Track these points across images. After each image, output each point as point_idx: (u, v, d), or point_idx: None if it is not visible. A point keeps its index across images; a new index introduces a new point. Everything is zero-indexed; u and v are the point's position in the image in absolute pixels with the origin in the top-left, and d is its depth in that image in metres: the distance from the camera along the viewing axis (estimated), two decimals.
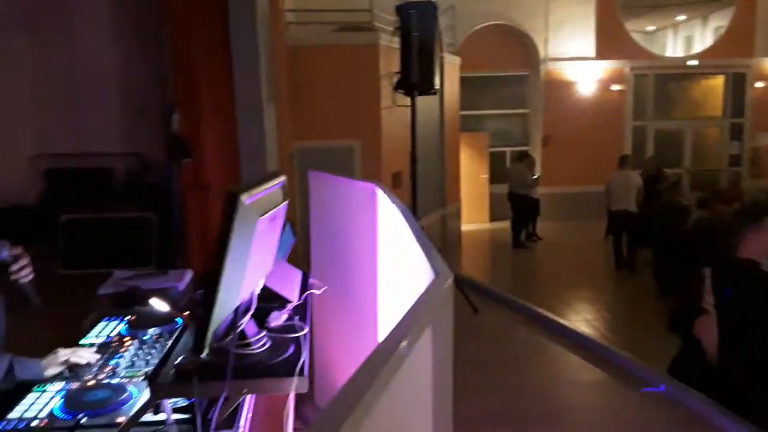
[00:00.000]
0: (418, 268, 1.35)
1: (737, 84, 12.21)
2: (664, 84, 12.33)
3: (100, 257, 6.02)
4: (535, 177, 9.81)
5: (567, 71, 11.63)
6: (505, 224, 10.17)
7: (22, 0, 6.29)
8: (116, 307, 2.35)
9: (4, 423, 1.30)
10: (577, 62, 11.59)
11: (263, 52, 5.33)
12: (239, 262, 1.24)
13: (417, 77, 4.35)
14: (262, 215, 1.28)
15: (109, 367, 1.56)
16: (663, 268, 7.06)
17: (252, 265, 1.31)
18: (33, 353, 1.92)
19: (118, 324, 1.89)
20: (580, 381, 4.12)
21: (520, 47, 11.66)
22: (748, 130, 12.34)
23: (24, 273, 1.73)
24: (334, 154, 7.26)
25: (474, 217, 11.08)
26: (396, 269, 1.84)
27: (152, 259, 6.15)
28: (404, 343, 0.76)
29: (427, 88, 4.54)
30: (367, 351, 2.28)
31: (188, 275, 2.79)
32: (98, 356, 1.63)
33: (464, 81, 10.39)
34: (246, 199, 1.19)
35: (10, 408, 1.36)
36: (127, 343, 1.72)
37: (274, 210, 1.39)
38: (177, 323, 1.86)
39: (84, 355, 1.60)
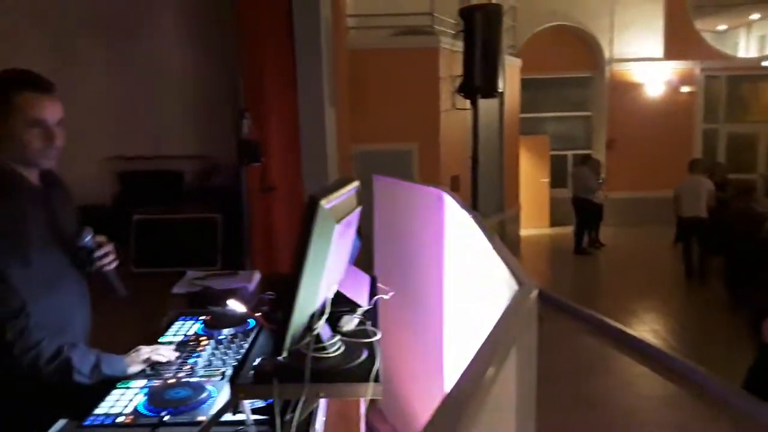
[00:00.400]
0: (494, 277, 1.32)
1: None
2: (737, 86, 11.76)
3: (169, 256, 6.25)
4: (599, 181, 9.53)
5: (633, 72, 11.26)
6: (566, 230, 9.94)
7: (99, 6, 6.61)
8: (190, 306, 2.42)
9: (92, 418, 1.36)
10: (644, 63, 11.21)
11: (325, 57, 5.40)
12: (317, 266, 1.25)
13: (480, 80, 4.30)
14: (340, 220, 1.29)
15: (188, 366, 1.61)
16: (735, 277, 6.72)
17: (329, 270, 1.32)
18: (114, 350, 2.01)
19: (194, 323, 1.94)
20: (649, 394, 3.96)
21: (584, 48, 11.38)
22: None
23: (108, 260, 1.76)
24: (393, 157, 7.28)
25: (534, 222, 10.87)
26: (466, 277, 1.82)
27: (218, 260, 6.34)
28: (492, 370, 0.73)
29: (491, 91, 4.48)
30: (430, 359, 2.25)
31: (257, 276, 2.86)
32: (177, 354, 1.68)
33: (525, 83, 10.21)
34: (326, 204, 1.21)
35: (96, 404, 1.42)
36: (203, 343, 1.77)
37: (350, 215, 1.40)
38: (249, 324, 1.90)
39: (164, 353, 1.65)
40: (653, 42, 11.17)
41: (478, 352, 0.82)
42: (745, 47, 13.22)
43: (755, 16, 12.79)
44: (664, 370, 4.14)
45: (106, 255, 1.74)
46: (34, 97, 1.58)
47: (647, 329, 5.90)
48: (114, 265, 1.78)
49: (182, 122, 6.64)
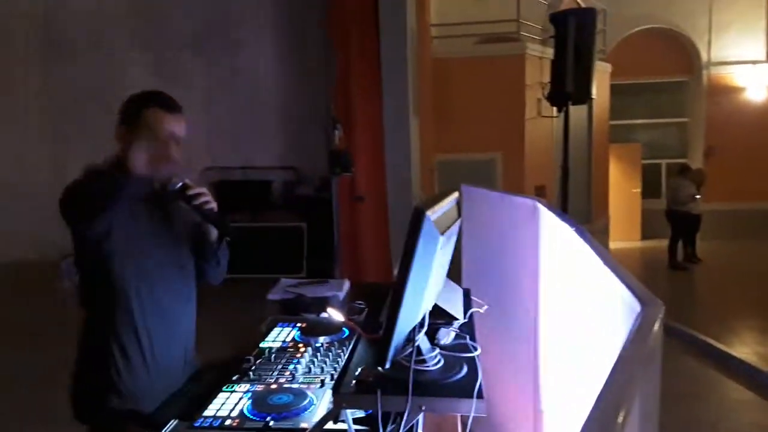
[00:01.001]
0: (604, 295, 1.26)
1: None
2: None
3: (257, 263, 6.51)
4: (697, 195, 8.93)
5: (734, 76, 10.56)
6: (659, 243, 9.42)
7: (197, 27, 7.00)
8: (283, 312, 2.48)
9: (201, 420, 1.41)
10: (745, 66, 10.49)
11: (410, 68, 5.44)
12: (422, 277, 1.24)
13: (571, 86, 4.17)
14: (444, 231, 1.27)
15: (288, 372, 1.64)
16: None
17: (432, 282, 1.31)
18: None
19: (291, 330, 1.99)
20: (759, 422, 3.66)
21: (678, 51, 10.80)
22: None
23: (205, 198, 1.81)
24: (475, 167, 7.20)
25: (624, 235, 10.38)
26: (567, 293, 1.75)
27: (303, 267, 6.53)
28: (622, 415, 0.67)
29: (583, 98, 4.34)
30: (523, 376, 2.18)
31: (346, 285, 2.89)
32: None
33: (615, 89, 9.83)
34: (431, 215, 1.20)
35: (204, 406, 1.47)
36: (301, 350, 1.80)
37: (452, 227, 1.38)
38: (344, 332, 1.92)
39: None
40: (755, 43, 10.44)
41: (602, 396, 0.74)
42: None
43: None
44: None
45: (200, 194, 1.81)
46: (163, 114, 1.77)
47: (750, 351, 5.47)
48: (213, 206, 1.83)
49: (271, 134, 6.93)
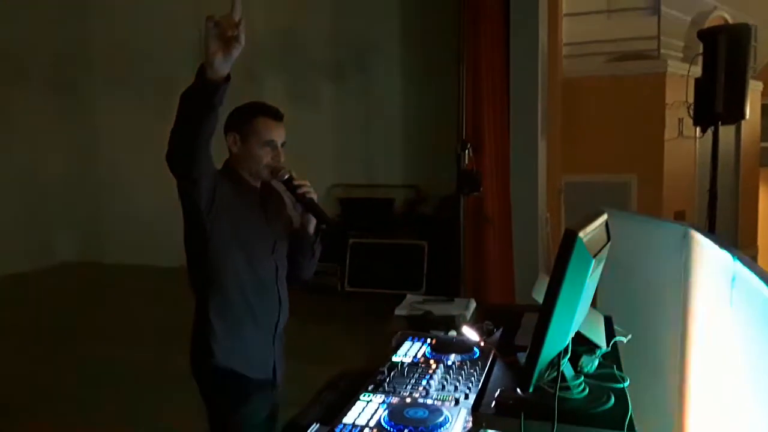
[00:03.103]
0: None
1: None
2: None
3: (378, 278, 6.66)
4: None
5: None
6: None
7: (330, 49, 7.34)
8: (410, 328, 2.50)
9: (341, 426, 1.45)
10: None
11: (541, 88, 5.33)
12: (571, 301, 1.21)
13: (722, 106, 3.87)
14: (595, 255, 1.23)
15: (421, 387, 1.65)
16: None
17: (581, 306, 1.27)
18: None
19: (421, 345, 2.00)
20: None
21: None
22: None
23: (308, 188, 1.99)
24: (606, 189, 6.85)
25: None
26: (721, 326, 1.61)
27: (422, 284, 6.57)
28: None
29: (736, 117, 4.01)
30: (667, 413, 2.01)
31: (473, 304, 2.87)
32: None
33: (766, 109, 8.95)
34: (584, 237, 1.16)
35: (343, 413, 1.52)
36: (433, 366, 1.81)
37: (603, 250, 1.33)
38: (475, 352, 1.90)
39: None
40: None
41: None
42: None
43: None
44: None
45: (304, 184, 1.98)
46: (269, 122, 1.98)
47: None
48: (315, 196, 2.01)
49: (394, 153, 7.09)
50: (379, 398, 1.60)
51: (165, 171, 1.77)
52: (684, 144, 6.79)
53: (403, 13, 7.15)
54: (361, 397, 1.61)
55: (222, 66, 1.54)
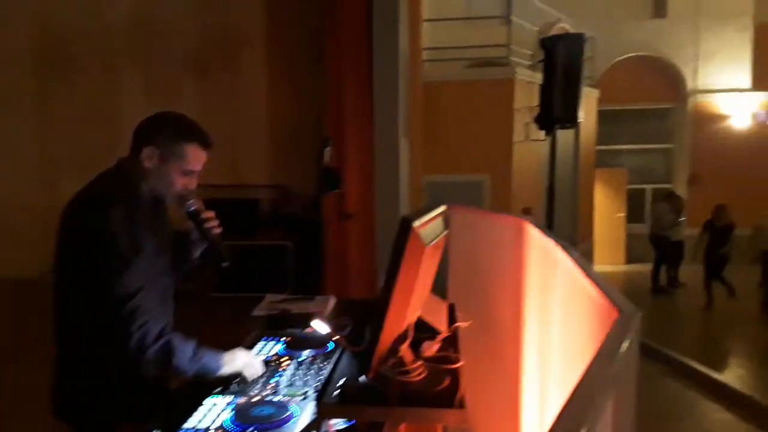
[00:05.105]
0: (585, 307, 1.28)
1: None
2: None
3: (243, 282, 6.46)
4: (681, 219, 9.07)
5: (718, 104, 10.78)
6: (643, 267, 9.50)
7: (192, 46, 7.01)
8: (269, 328, 2.47)
9: (182, 431, 1.39)
10: (731, 94, 10.71)
11: (402, 90, 5.49)
12: (407, 288, 1.25)
13: (559, 110, 4.25)
14: (429, 243, 1.29)
15: (271, 385, 1.64)
16: None
17: (417, 293, 1.32)
18: None
19: (275, 344, 1.98)
20: None
21: (665, 79, 11.02)
22: None
23: (214, 223, 1.88)
24: (463, 188, 7.25)
25: (608, 259, 10.45)
26: (551, 308, 1.76)
27: (288, 285, 6.49)
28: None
29: (571, 121, 4.42)
30: (506, 390, 2.18)
31: (332, 301, 2.89)
32: (265, 369, 1.72)
33: (602, 115, 9.98)
34: (418, 226, 1.21)
35: (185, 417, 1.46)
36: (285, 363, 1.80)
37: (439, 239, 1.40)
38: (329, 347, 1.92)
39: (257, 370, 1.70)
40: (740, 72, 10.69)
41: (574, 397, 0.75)
42: None
43: None
44: (751, 417, 3.83)
45: (211, 218, 1.87)
46: (199, 152, 1.81)
47: (731, 374, 5.49)
48: (218, 230, 1.89)
49: (259, 152, 6.91)
50: (227, 399, 1.56)
51: None
52: (531, 146, 7.36)
53: (269, 12, 7.01)
54: (207, 399, 1.56)
55: None
